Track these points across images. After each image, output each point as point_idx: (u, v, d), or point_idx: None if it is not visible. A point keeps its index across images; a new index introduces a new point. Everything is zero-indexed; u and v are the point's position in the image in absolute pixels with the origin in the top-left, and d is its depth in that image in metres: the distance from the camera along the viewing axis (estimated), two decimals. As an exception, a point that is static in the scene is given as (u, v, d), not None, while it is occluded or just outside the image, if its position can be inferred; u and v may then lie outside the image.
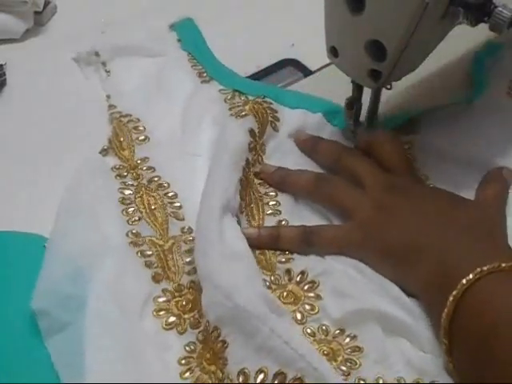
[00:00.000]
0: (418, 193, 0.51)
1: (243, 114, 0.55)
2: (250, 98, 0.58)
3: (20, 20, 0.67)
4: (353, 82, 0.54)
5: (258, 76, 0.64)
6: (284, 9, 0.70)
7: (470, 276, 0.42)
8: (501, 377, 0.39)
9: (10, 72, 0.63)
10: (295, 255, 0.49)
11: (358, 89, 0.54)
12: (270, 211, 0.52)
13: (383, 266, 0.48)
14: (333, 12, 0.49)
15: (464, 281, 0.42)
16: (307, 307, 0.46)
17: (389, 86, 0.53)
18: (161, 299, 0.47)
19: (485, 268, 0.42)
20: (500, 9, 0.45)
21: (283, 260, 0.49)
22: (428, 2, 0.44)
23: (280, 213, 0.52)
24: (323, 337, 0.45)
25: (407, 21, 0.45)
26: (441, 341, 0.43)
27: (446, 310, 0.42)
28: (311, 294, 0.47)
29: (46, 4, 0.69)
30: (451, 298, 0.42)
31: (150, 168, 0.54)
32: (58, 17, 0.71)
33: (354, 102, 0.54)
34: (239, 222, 0.50)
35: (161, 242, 0.50)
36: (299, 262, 0.49)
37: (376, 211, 0.49)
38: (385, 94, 0.54)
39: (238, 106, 0.57)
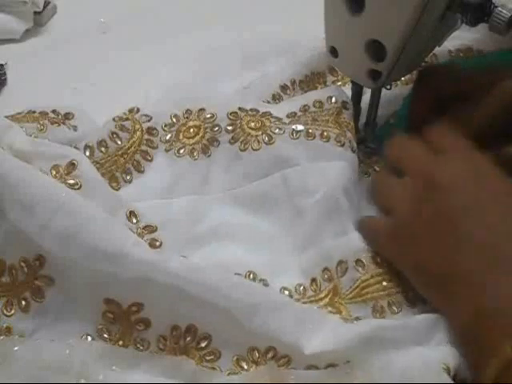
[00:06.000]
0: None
1: None
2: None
3: (20, 20, 0.67)
4: (352, 82, 0.53)
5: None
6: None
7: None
8: None
9: (10, 72, 0.63)
10: None
11: (357, 89, 0.54)
12: None
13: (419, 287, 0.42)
14: (332, 12, 0.49)
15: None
16: None
17: (389, 86, 0.53)
18: None
19: None
20: (499, 9, 0.45)
21: None
22: (428, 3, 0.44)
23: None
24: None
25: (407, 21, 0.45)
26: None
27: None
28: None
29: (46, 4, 0.69)
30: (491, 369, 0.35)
31: None
32: (58, 17, 0.71)
33: (353, 103, 0.54)
34: None
35: None
36: None
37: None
38: (385, 94, 0.55)
39: None
